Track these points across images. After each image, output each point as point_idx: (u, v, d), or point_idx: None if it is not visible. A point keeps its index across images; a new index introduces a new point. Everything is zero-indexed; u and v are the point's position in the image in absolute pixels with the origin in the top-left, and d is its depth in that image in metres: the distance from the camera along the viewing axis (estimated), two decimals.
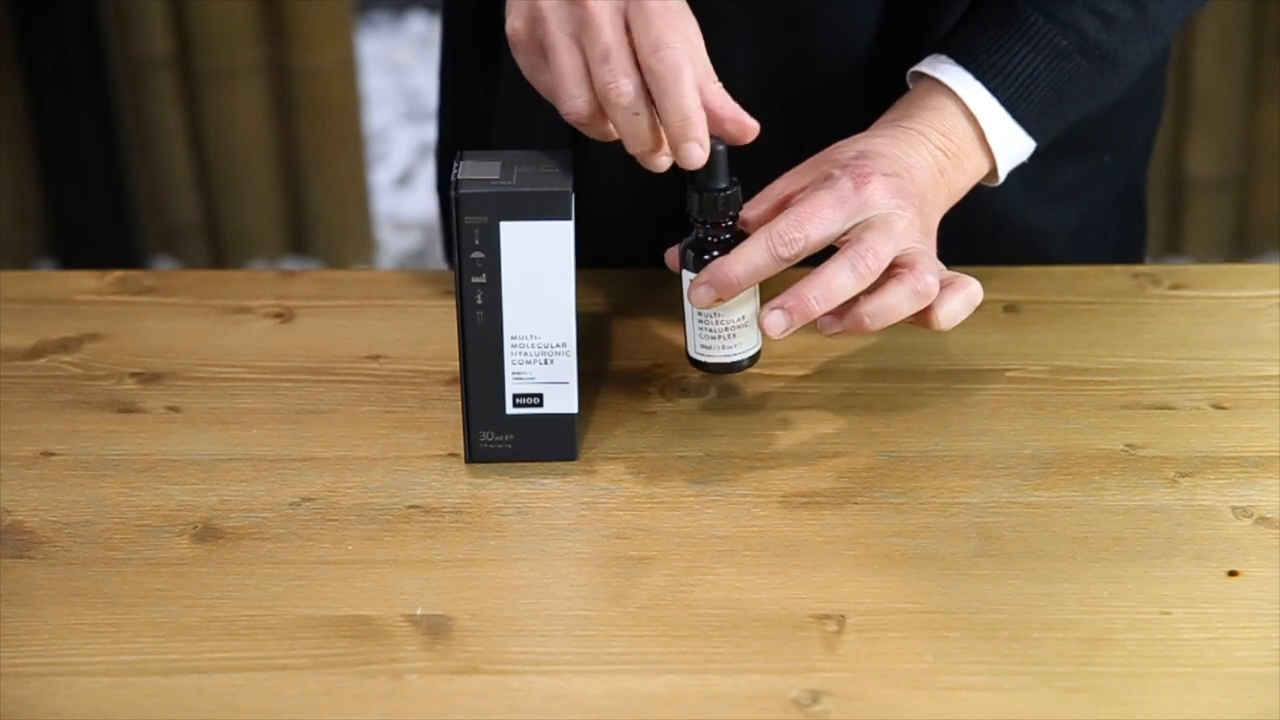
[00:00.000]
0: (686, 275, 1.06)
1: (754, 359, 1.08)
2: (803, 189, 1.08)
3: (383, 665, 0.93)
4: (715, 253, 1.05)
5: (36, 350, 1.21)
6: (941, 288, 1.05)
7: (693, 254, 1.06)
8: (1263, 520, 1.03)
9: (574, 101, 1.02)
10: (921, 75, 1.15)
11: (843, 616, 0.96)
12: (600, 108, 1.03)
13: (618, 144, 1.04)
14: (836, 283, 1.03)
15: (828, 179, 1.06)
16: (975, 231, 1.18)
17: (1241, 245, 2.85)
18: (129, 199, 2.76)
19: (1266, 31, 2.73)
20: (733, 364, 1.08)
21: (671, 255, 1.09)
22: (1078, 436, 1.10)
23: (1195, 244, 2.83)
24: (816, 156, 1.10)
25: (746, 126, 1.04)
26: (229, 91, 2.79)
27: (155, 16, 2.73)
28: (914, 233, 1.06)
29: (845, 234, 1.05)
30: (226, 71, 2.77)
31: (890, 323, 1.04)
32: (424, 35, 3.40)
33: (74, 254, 2.76)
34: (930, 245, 1.08)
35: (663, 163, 1.03)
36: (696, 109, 1.01)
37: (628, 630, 0.95)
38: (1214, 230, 2.83)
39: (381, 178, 3.13)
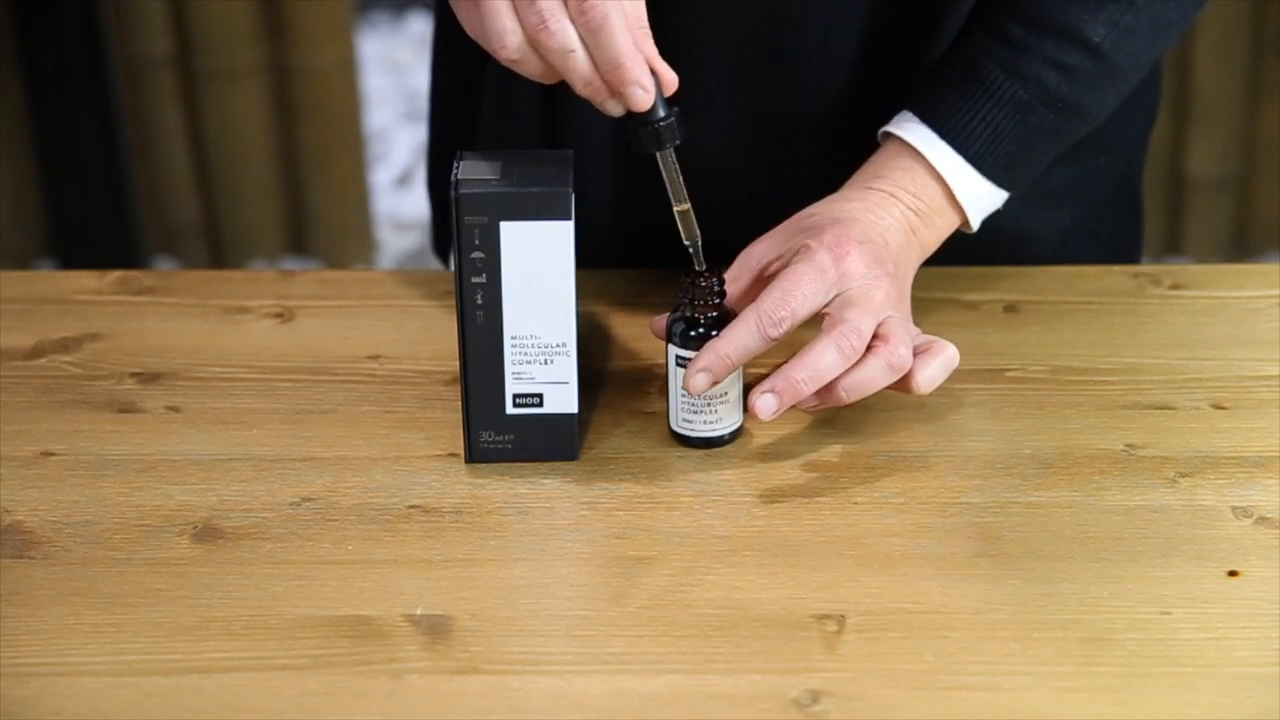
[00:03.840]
0: (672, 349, 1.07)
1: (735, 434, 1.10)
2: (780, 257, 1.11)
3: (383, 665, 0.93)
4: (701, 329, 1.07)
5: (36, 350, 1.21)
6: (921, 353, 1.08)
7: (679, 330, 1.07)
8: (1263, 520, 1.03)
9: (505, 37, 1.02)
10: (889, 135, 1.17)
11: (843, 616, 0.96)
12: (534, 49, 1.02)
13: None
14: (823, 364, 1.05)
15: (805, 250, 1.08)
16: (969, 236, 1.18)
17: (1241, 245, 2.85)
18: (129, 199, 2.76)
19: (1266, 31, 2.73)
20: (714, 439, 1.09)
21: (658, 324, 1.11)
22: (1078, 436, 1.10)
23: (1195, 244, 2.83)
24: (790, 221, 1.13)
25: (667, 79, 1.04)
26: (229, 91, 2.79)
27: (155, 16, 2.73)
28: (891, 301, 1.08)
29: (826, 305, 1.08)
30: (226, 71, 2.77)
31: (866, 395, 1.06)
32: (424, 35, 3.40)
33: (74, 254, 2.76)
34: (906, 309, 1.11)
35: (611, 107, 1.03)
36: (630, 53, 1.01)
37: (628, 630, 0.95)
38: (1214, 230, 2.83)
39: (381, 178, 3.13)
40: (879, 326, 1.07)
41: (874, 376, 1.06)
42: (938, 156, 1.15)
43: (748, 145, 1.24)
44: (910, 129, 1.16)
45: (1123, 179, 1.36)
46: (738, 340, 1.06)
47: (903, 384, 1.07)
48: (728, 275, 1.10)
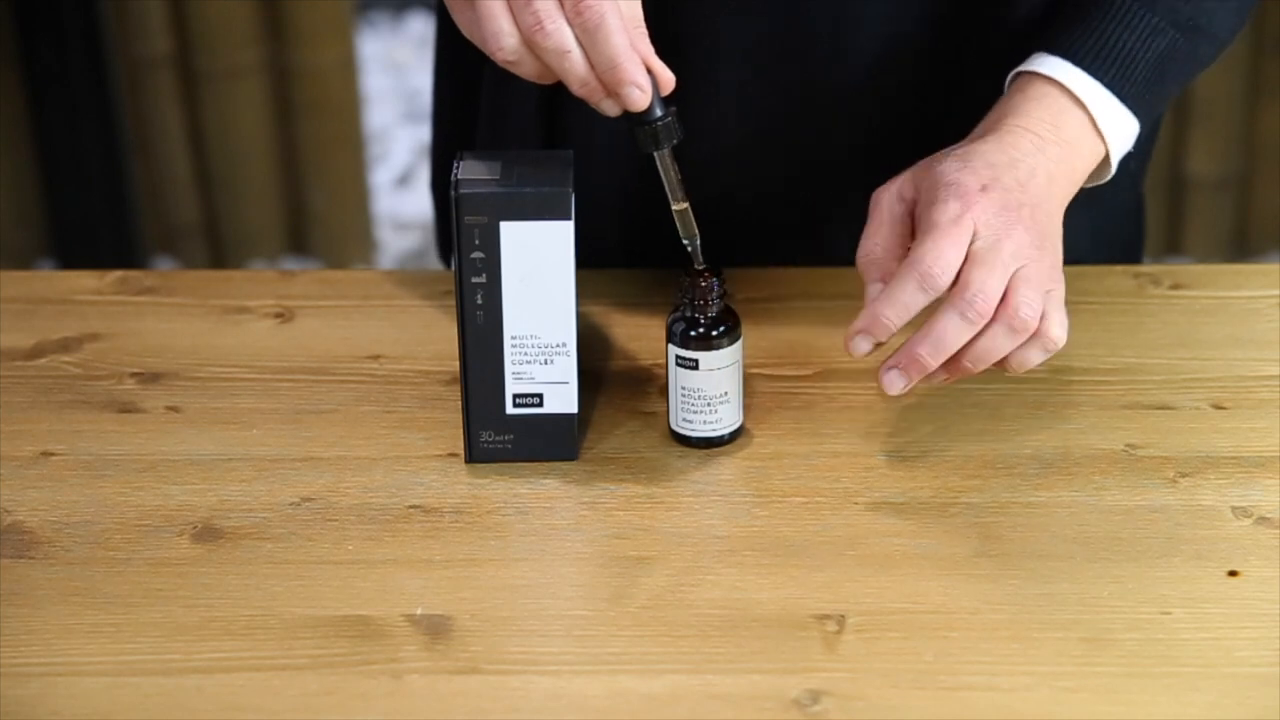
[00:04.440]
0: (672, 349, 1.07)
1: (735, 434, 1.10)
2: (906, 203, 1.08)
3: (383, 665, 0.93)
4: (701, 329, 1.07)
5: (36, 350, 1.21)
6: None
7: (679, 330, 1.07)
8: (1263, 520, 1.03)
9: (501, 39, 1.01)
10: (1017, 75, 1.13)
11: (843, 616, 0.96)
12: (530, 50, 1.02)
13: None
14: (947, 335, 1.02)
15: (936, 200, 1.05)
16: None
17: (1241, 245, 2.85)
18: (129, 199, 2.76)
19: (1266, 31, 2.73)
20: (714, 439, 1.09)
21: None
22: (1078, 436, 1.10)
23: (1195, 244, 2.83)
24: (918, 166, 1.09)
25: (664, 79, 1.03)
26: (229, 91, 2.79)
27: (155, 16, 2.73)
28: (1024, 250, 1.04)
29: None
30: (226, 71, 2.77)
31: (994, 361, 1.04)
32: (424, 35, 3.40)
33: (74, 254, 2.76)
34: (1047, 255, 1.06)
35: (608, 107, 1.03)
36: (626, 53, 1.00)
37: (628, 630, 0.95)
38: (1214, 230, 2.83)
39: (381, 178, 3.13)
40: (1010, 281, 1.03)
41: (996, 345, 1.03)
42: (1075, 81, 1.11)
43: (763, 138, 1.23)
44: (1041, 61, 1.12)
45: (1126, 181, 1.36)
46: (898, 299, 1.03)
47: (1002, 360, 1.04)
48: (866, 231, 1.08)
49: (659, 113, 1.03)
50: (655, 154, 1.04)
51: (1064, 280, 1.06)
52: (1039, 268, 1.04)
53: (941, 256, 1.02)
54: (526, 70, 1.02)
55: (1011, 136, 1.09)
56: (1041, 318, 1.04)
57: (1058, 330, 1.04)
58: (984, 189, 1.05)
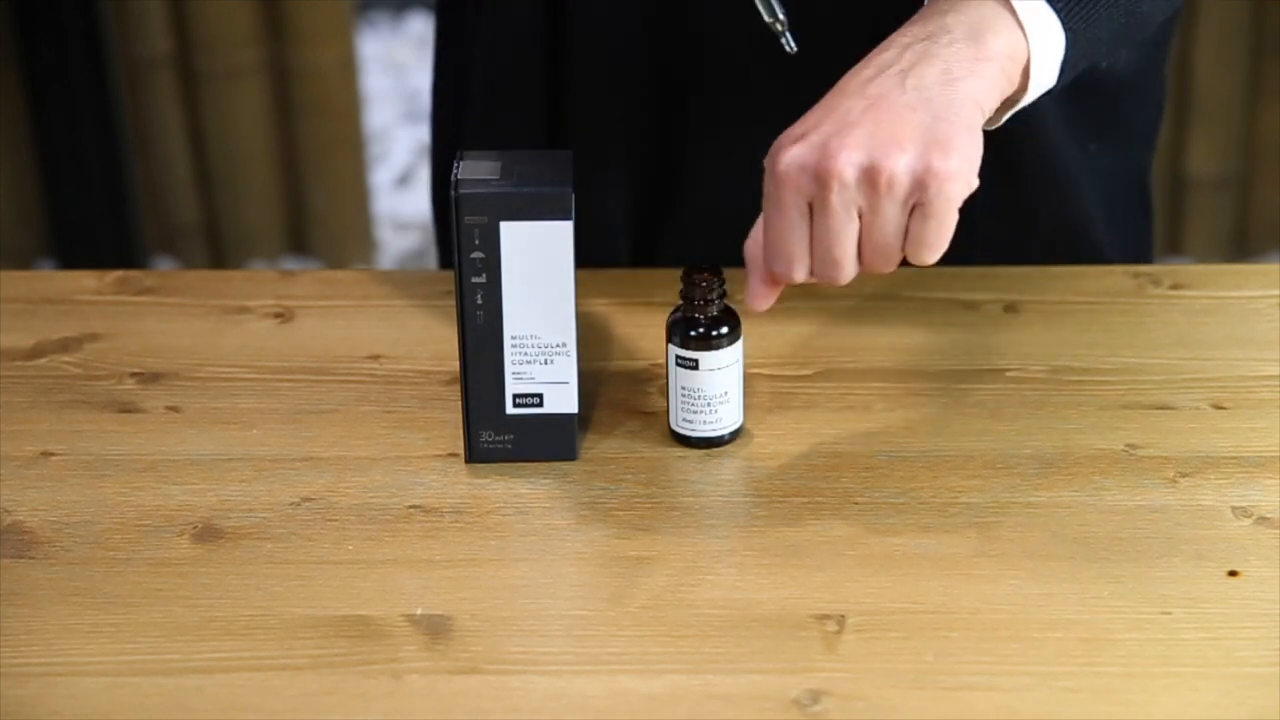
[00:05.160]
0: (672, 349, 1.07)
1: (735, 434, 1.10)
2: None
3: (383, 665, 0.93)
4: (701, 329, 1.07)
5: (36, 350, 1.21)
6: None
7: (679, 329, 1.07)
8: (1263, 520, 1.03)
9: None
10: None
11: (843, 616, 0.96)
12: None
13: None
14: (773, 235, 0.98)
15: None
16: (1000, 224, 1.16)
17: (1241, 245, 2.85)
18: (129, 199, 2.76)
19: (1266, 32, 2.73)
20: (714, 439, 1.09)
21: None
22: (1078, 436, 1.10)
23: (1195, 244, 2.83)
24: None
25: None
26: (229, 91, 2.79)
27: (155, 16, 2.72)
28: (847, 133, 0.96)
29: None
30: (226, 71, 2.77)
31: (880, 247, 0.97)
32: (424, 35, 3.40)
33: (74, 254, 2.76)
34: (890, 124, 0.96)
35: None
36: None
37: (628, 630, 0.95)
38: (1214, 230, 2.83)
39: (381, 178, 3.13)
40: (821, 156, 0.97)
41: (836, 220, 0.97)
42: None
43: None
44: None
45: (1132, 176, 1.36)
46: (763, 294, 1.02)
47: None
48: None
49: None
50: None
51: (956, 155, 0.96)
52: (859, 133, 0.96)
53: (767, 244, 0.99)
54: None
55: (892, 46, 1.01)
56: (914, 181, 0.96)
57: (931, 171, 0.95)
58: (798, 139, 0.98)
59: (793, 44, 1.00)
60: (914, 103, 0.97)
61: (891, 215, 0.96)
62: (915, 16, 1.01)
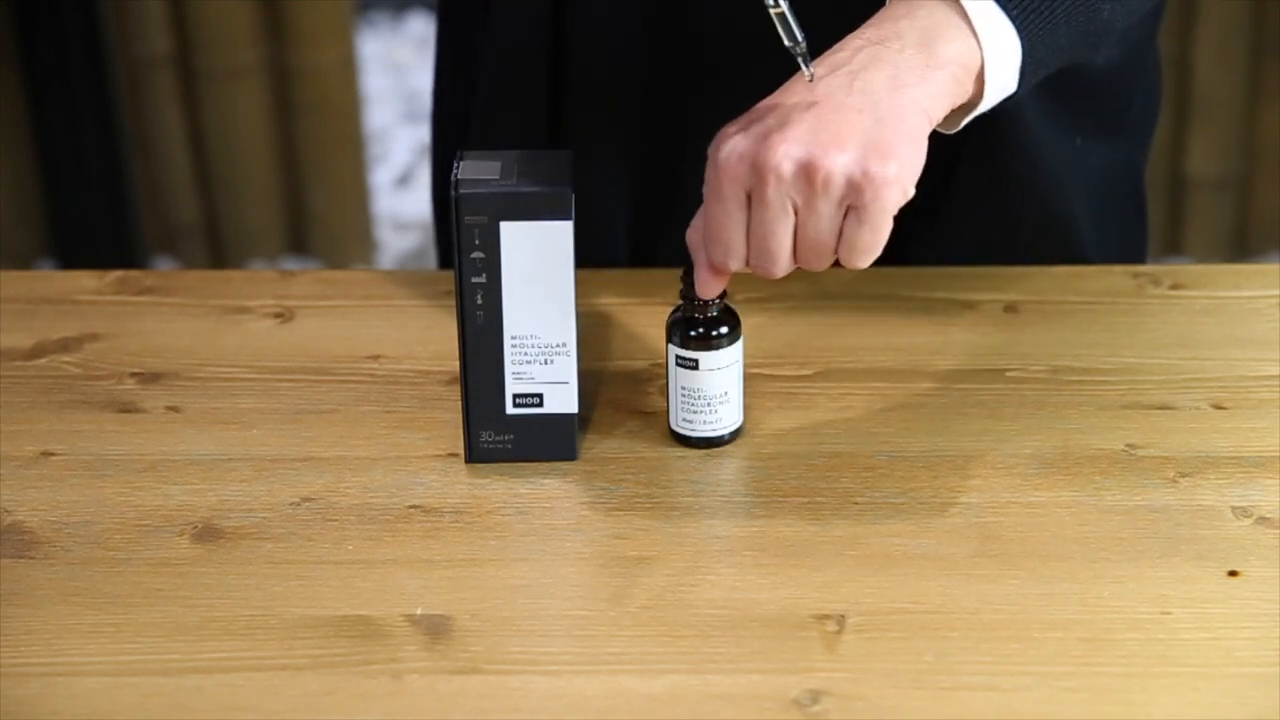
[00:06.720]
0: (672, 349, 1.07)
1: (735, 434, 1.10)
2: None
3: (383, 665, 0.93)
4: (701, 329, 1.07)
5: (36, 350, 1.21)
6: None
7: (679, 329, 1.07)
8: (1263, 520, 1.03)
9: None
10: None
11: (843, 616, 0.96)
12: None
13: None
14: (712, 225, 0.99)
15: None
16: (1002, 225, 1.16)
17: (1241, 245, 2.85)
18: (129, 199, 2.76)
19: (1266, 32, 2.73)
20: (714, 439, 1.09)
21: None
22: (1078, 436, 1.10)
23: (1195, 244, 2.83)
24: None
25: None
26: (229, 91, 2.79)
27: (155, 16, 2.73)
28: (785, 128, 0.97)
29: None
30: (226, 71, 2.77)
31: (814, 244, 0.98)
32: (424, 35, 3.40)
33: (74, 254, 2.76)
34: (834, 124, 0.97)
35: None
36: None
37: (628, 630, 0.95)
38: (1214, 230, 2.83)
39: (381, 178, 3.13)
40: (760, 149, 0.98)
41: (772, 213, 0.97)
42: None
43: None
44: None
45: (1126, 175, 1.36)
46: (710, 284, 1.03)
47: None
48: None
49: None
50: None
51: (894, 161, 0.96)
52: (801, 129, 0.96)
53: (705, 231, 1.00)
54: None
55: (843, 50, 1.01)
56: (848, 180, 0.96)
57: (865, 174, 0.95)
58: (741, 129, 0.99)
59: (813, 70, 1.00)
60: (860, 105, 0.97)
61: (825, 214, 0.97)
62: (872, 19, 1.02)
